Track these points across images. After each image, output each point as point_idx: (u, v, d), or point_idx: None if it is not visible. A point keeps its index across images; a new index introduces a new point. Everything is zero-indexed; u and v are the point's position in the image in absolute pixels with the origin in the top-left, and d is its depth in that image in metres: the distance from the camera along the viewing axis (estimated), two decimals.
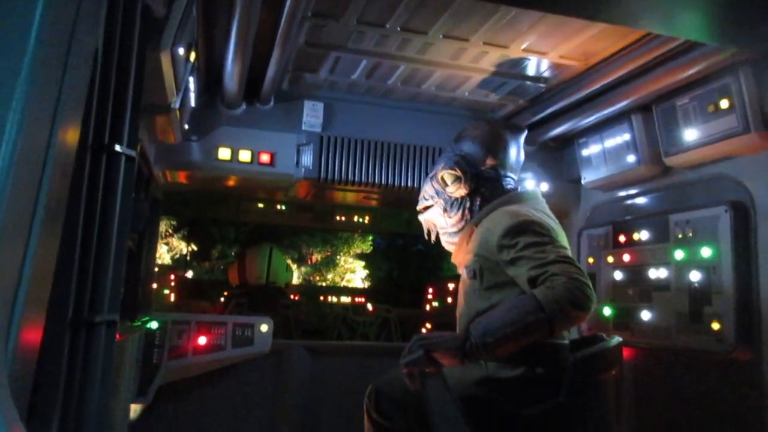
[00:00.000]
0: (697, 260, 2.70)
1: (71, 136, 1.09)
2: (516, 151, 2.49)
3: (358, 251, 13.63)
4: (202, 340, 3.24)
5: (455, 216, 2.41)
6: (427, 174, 2.80)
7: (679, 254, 2.80)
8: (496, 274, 2.16)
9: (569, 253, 2.07)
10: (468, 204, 2.39)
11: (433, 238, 2.58)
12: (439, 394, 1.90)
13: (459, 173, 2.38)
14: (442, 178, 2.41)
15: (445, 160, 2.44)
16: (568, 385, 2.01)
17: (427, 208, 2.54)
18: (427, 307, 8.26)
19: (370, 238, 13.54)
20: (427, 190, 2.51)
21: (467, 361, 1.92)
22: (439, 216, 2.48)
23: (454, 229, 2.44)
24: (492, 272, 2.18)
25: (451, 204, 2.42)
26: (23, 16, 0.90)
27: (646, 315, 2.96)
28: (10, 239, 0.86)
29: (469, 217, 2.39)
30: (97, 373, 1.37)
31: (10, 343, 0.85)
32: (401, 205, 4.79)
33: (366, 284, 13.72)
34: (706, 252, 2.66)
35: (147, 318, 3.14)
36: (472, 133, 2.47)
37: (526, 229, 2.10)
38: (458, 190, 2.39)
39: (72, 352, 1.29)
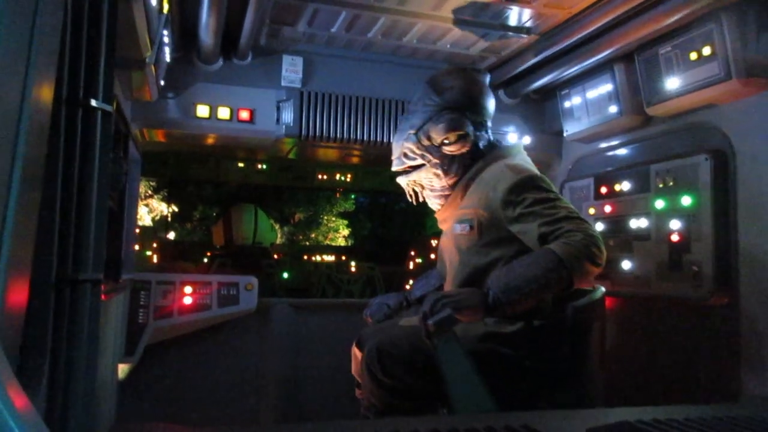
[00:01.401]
0: (677, 209, 2.74)
1: (46, 89, 1.05)
2: (493, 100, 2.44)
3: (341, 210, 13.62)
4: (188, 300, 3.24)
5: (454, 174, 2.31)
6: None
7: (659, 204, 2.83)
8: (496, 229, 2.14)
9: (574, 209, 2.09)
10: (468, 160, 2.31)
11: (420, 199, 2.49)
12: (452, 350, 1.91)
13: (465, 132, 2.27)
14: (446, 139, 2.28)
15: (446, 120, 2.28)
16: (569, 336, 2.07)
17: (411, 168, 2.41)
18: (411, 265, 8.34)
19: (353, 196, 13.52)
20: (412, 148, 2.35)
21: (487, 317, 1.95)
22: (432, 177, 2.35)
23: (452, 190, 2.35)
24: (492, 228, 2.15)
25: (449, 162, 2.31)
26: None
27: (626, 264, 3.00)
28: None
29: (462, 172, 2.31)
30: (84, 332, 1.36)
31: None
32: (384, 162, 4.76)
33: (349, 242, 13.76)
34: (686, 201, 2.70)
35: (131, 278, 3.12)
36: (454, 83, 2.35)
37: (532, 185, 2.09)
38: (462, 148, 2.29)
39: (57, 311, 1.28)
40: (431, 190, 2.41)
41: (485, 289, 1.95)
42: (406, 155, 2.39)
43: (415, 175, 2.40)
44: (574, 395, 2.15)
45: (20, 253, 0.95)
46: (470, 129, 2.29)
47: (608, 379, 2.80)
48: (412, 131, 2.35)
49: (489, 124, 2.40)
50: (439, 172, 2.33)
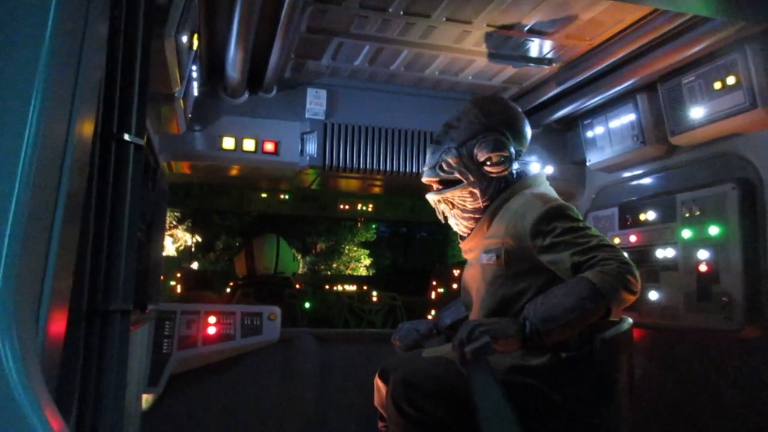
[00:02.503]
0: (704, 239, 2.70)
1: (87, 127, 1.09)
2: (530, 131, 2.42)
3: (363, 240, 13.63)
4: (212, 330, 3.26)
5: (488, 196, 2.27)
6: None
7: (686, 233, 2.80)
8: (523, 260, 2.12)
9: (605, 237, 2.07)
10: (501, 186, 2.28)
11: (449, 219, 2.41)
12: (485, 380, 1.89)
13: (509, 154, 2.25)
14: (489, 157, 2.24)
15: (493, 141, 2.24)
16: (596, 368, 2.04)
17: (444, 182, 2.33)
18: (433, 294, 8.28)
19: (374, 226, 13.54)
20: (450, 162, 2.28)
21: (523, 347, 1.93)
22: (467, 195, 2.29)
23: (479, 208, 2.29)
24: (520, 258, 2.13)
25: (487, 183, 2.26)
26: (39, 7, 0.89)
27: (653, 295, 2.96)
28: (35, 232, 0.87)
29: (494, 197, 2.27)
30: (114, 362, 1.38)
31: (39, 334, 0.86)
32: (406, 192, 4.79)
33: (371, 272, 13.74)
34: (713, 230, 2.66)
35: (156, 308, 3.15)
36: (502, 108, 2.33)
37: (561, 214, 2.07)
38: (503, 171, 2.25)
39: (88, 341, 1.30)
40: (462, 210, 2.34)
41: (522, 318, 1.92)
42: (442, 168, 2.31)
43: (449, 193, 2.32)
44: (602, 428, 2.10)
45: (61, 285, 0.97)
46: (513, 153, 2.28)
47: (637, 413, 2.74)
48: (454, 145, 2.29)
49: (521, 156, 2.40)
50: (476, 191, 2.27)
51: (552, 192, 2.32)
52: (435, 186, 2.38)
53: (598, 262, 1.91)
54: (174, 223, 11.08)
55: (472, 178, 2.27)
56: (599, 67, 2.80)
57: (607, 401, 2.12)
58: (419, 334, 2.60)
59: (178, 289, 7.27)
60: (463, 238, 2.43)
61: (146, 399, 3.07)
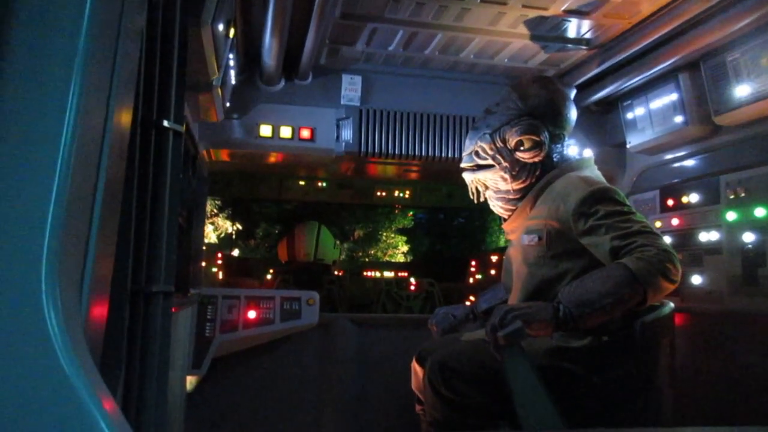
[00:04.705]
0: (750, 221, 2.62)
1: (125, 115, 1.12)
2: (575, 113, 2.40)
3: (400, 226, 13.65)
4: (252, 314, 3.32)
5: (521, 181, 2.29)
6: None
7: (731, 216, 2.72)
8: (565, 241, 2.12)
9: (649, 223, 2.04)
10: (538, 170, 2.29)
11: (481, 198, 2.46)
12: (520, 364, 1.89)
13: (540, 139, 2.25)
14: (520, 141, 2.26)
15: (524, 125, 2.26)
16: (637, 352, 2.02)
17: (479, 166, 2.39)
18: (471, 280, 8.25)
19: (411, 213, 13.53)
20: (485, 147, 2.33)
21: (557, 332, 1.93)
22: (498, 179, 2.33)
23: (517, 195, 2.32)
24: (561, 240, 2.13)
25: (520, 168, 2.29)
26: None
27: (697, 279, 2.89)
28: (76, 216, 0.90)
29: (533, 182, 2.29)
30: (157, 341, 1.42)
31: (83, 315, 0.90)
32: (442, 177, 4.77)
33: (408, 259, 13.77)
34: (760, 212, 2.58)
35: (198, 292, 3.23)
36: (539, 92, 2.32)
37: (605, 198, 2.06)
38: (535, 157, 2.26)
39: (132, 321, 1.34)
40: (495, 192, 2.39)
41: (555, 302, 1.91)
42: (477, 153, 2.38)
43: (481, 174, 2.39)
44: (642, 413, 2.08)
45: (103, 268, 1.01)
46: (546, 138, 2.27)
47: (679, 397, 2.69)
48: (489, 131, 2.33)
49: (566, 138, 2.37)
50: (507, 176, 2.30)
51: (598, 175, 2.29)
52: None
53: (636, 248, 1.88)
54: (215, 211, 11.30)
55: (504, 164, 2.29)
56: (639, 46, 2.73)
57: (648, 386, 2.10)
58: (455, 318, 2.62)
59: (220, 275, 7.42)
60: (505, 219, 2.43)
61: (190, 381, 3.16)
